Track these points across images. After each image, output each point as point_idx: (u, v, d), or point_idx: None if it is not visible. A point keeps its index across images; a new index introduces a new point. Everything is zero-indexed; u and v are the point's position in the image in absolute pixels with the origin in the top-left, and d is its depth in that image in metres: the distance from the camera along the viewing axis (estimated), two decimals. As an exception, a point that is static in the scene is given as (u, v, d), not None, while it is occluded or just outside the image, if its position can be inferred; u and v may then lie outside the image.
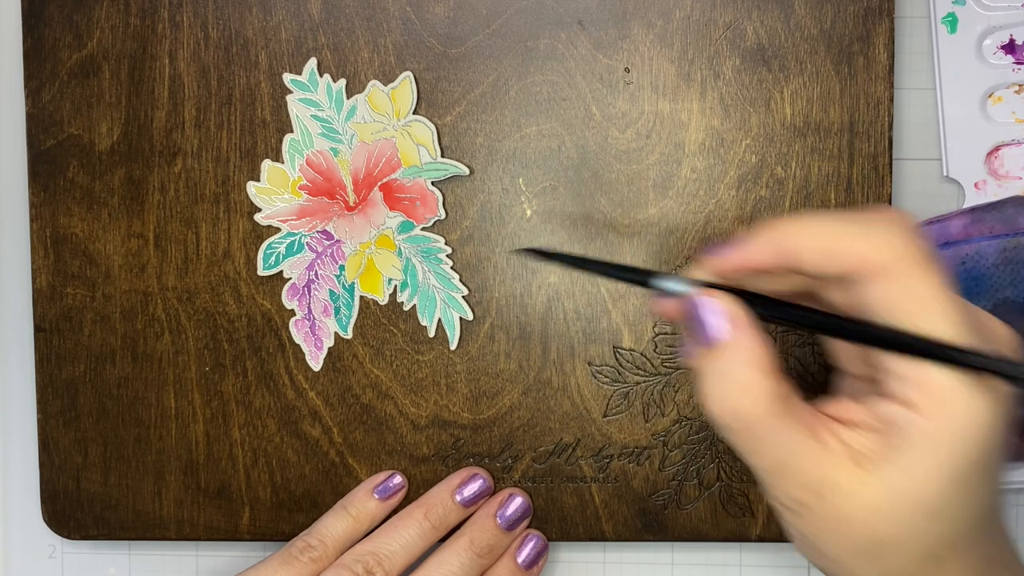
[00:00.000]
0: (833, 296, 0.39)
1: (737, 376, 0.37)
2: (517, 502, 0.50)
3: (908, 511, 0.36)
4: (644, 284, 0.40)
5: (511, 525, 0.50)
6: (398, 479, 0.51)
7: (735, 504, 0.51)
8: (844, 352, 0.41)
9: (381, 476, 0.51)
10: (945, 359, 0.35)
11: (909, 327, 0.36)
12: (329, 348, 0.51)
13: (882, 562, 0.38)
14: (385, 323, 0.51)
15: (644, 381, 0.50)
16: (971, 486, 0.36)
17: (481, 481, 0.50)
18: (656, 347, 0.50)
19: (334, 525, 0.50)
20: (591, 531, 0.51)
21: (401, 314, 0.51)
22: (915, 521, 0.36)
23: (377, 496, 0.51)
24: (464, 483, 0.50)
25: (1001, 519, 0.39)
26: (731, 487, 0.51)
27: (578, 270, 0.48)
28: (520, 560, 0.50)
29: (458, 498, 0.50)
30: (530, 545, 0.50)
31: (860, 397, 0.38)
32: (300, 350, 0.51)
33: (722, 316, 0.38)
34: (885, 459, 0.36)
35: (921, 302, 0.35)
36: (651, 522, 0.51)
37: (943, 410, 0.35)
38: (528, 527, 0.51)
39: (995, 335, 0.38)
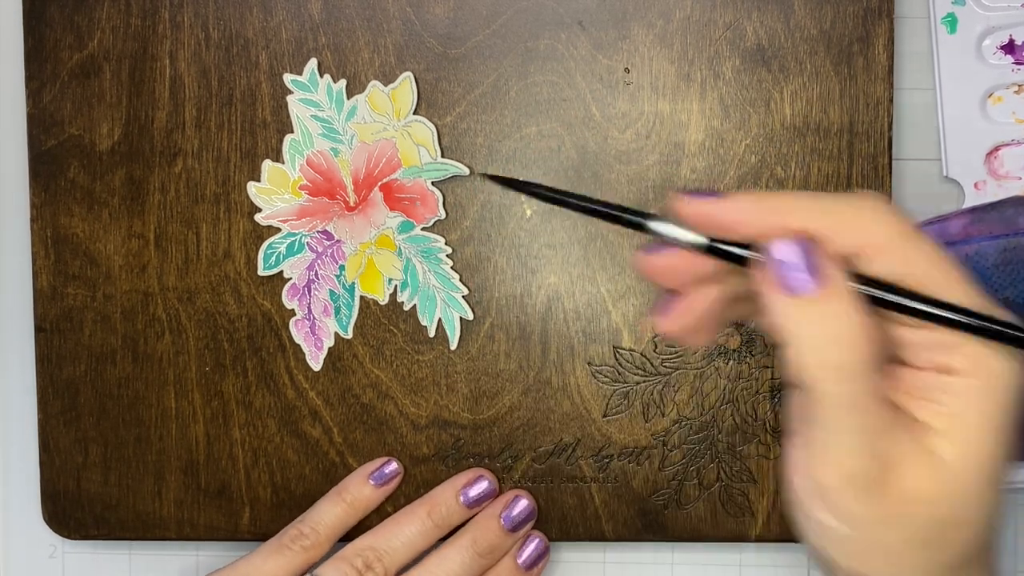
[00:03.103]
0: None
1: (845, 322, 0.32)
2: (522, 504, 0.50)
3: (973, 481, 0.34)
4: (641, 228, 0.35)
5: (515, 527, 0.50)
6: (394, 465, 0.51)
7: (735, 504, 0.51)
8: None
9: (377, 462, 0.51)
10: (980, 328, 0.33)
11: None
12: (329, 348, 0.51)
13: (936, 551, 0.35)
14: (385, 323, 0.51)
15: (644, 381, 0.51)
16: (1004, 451, 0.34)
17: (487, 483, 0.50)
18: (656, 347, 0.50)
19: (328, 512, 0.50)
20: (591, 531, 0.51)
21: (401, 314, 0.51)
22: (980, 491, 0.34)
23: (372, 483, 0.50)
24: (469, 484, 0.50)
25: None
26: (731, 487, 0.51)
27: (558, 204, 0.37)
28: (521, 561, 0.50)
29: (462, 498, 0.50)
30: (531, 546, 0.50)
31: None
32: (300, 350, 0.51)
33: (822, 257, 0.33)
34: (941, 431, 0.34)
35: (930, 273, 0.33)
36: (651, 522, 0.51)
37: (985, 367, 0.33)
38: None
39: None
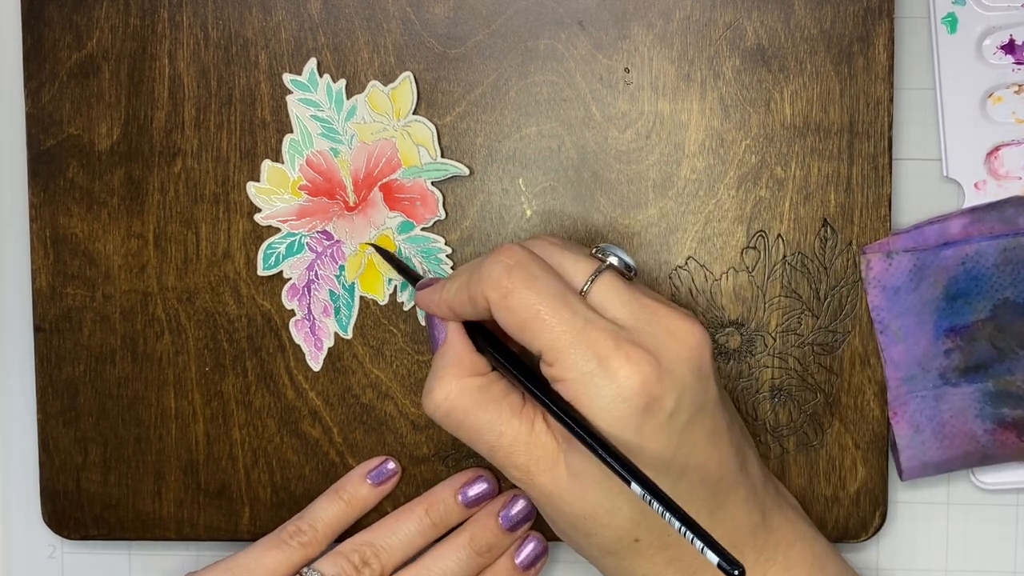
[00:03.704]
0: None
1: (440, 373, 0.44)
2: (521, 504, 0.50)
3: (591, 487, 0.42)
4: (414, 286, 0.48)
5: (513, 526, 0.50)
6: (392, 465, 0.51)
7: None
8: None
9: (375, 461, 0.51)
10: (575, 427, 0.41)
11: (529, 340, 0.42)
12: (329, 348, 0.51)
13: (593, 537, 0.43)
14: (385, 323, 0.51)
15: (644, 381, 0.50)
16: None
17: (486, 483, 0.50)
18: (656, 347, 0.50)
19: (326, 510, 0.50)
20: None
21: (401, 314, 0.51)
22: (599, 498, 0.42)
23: (370, 481, 0.51)
24: (468, 483, 0.50)
25: (733, 509, 0.44)
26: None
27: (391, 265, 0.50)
28: (518, 561, 0.50)
29: (461, 498, 0.50)
30: (529, 547, 0.50)
31: None
32: (300, 350, 0.51)
33: (442, 326, 0.45)
34: (568, 440, 0.42)
35: (522, 323, 0.42)
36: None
37: (583, 402, 0.41)
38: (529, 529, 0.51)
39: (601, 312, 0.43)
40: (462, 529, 0.50)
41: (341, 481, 0.51)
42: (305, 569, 0.48)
